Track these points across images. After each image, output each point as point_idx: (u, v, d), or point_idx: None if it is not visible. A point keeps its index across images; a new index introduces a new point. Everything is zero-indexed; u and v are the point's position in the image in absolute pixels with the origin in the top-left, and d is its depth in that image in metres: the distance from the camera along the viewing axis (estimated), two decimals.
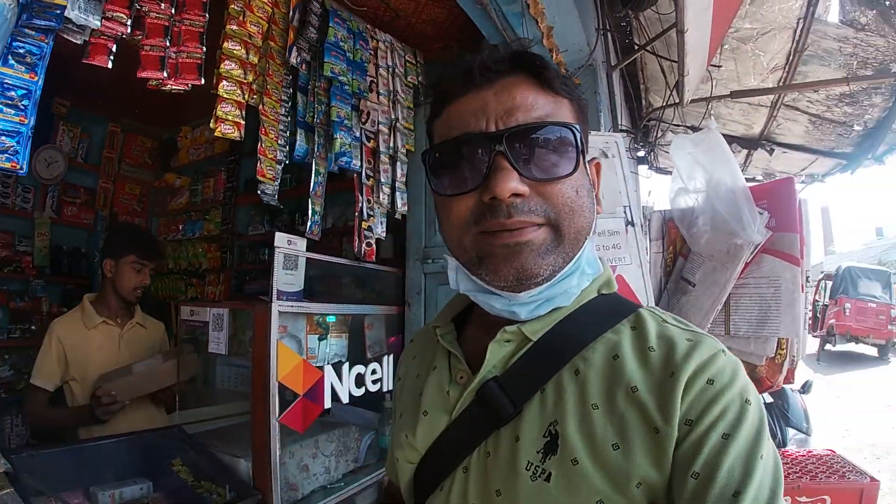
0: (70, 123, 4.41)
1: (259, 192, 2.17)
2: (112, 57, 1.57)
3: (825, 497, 2.13)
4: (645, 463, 0.60)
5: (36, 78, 1.38)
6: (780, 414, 4.44)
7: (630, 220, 2.31)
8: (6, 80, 1.32)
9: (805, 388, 4.84)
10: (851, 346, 13.00)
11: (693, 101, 3.15)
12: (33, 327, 4.08)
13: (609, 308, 0.75)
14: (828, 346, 13.10)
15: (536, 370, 0.70)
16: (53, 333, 2.37)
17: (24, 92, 1.35)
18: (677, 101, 3.21)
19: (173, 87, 1.71)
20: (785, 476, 2.25)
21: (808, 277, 2.37)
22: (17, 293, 4.11)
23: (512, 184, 0.64)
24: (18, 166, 1.31)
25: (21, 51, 1.34)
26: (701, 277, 2.52)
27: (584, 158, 0.71)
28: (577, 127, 0.69)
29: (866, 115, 3.81)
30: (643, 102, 4.31)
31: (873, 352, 12.68)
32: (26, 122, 1.34)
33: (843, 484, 2.16)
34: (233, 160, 4.51)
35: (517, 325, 0.72)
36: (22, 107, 1.34)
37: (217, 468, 1.92)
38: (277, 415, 1.84)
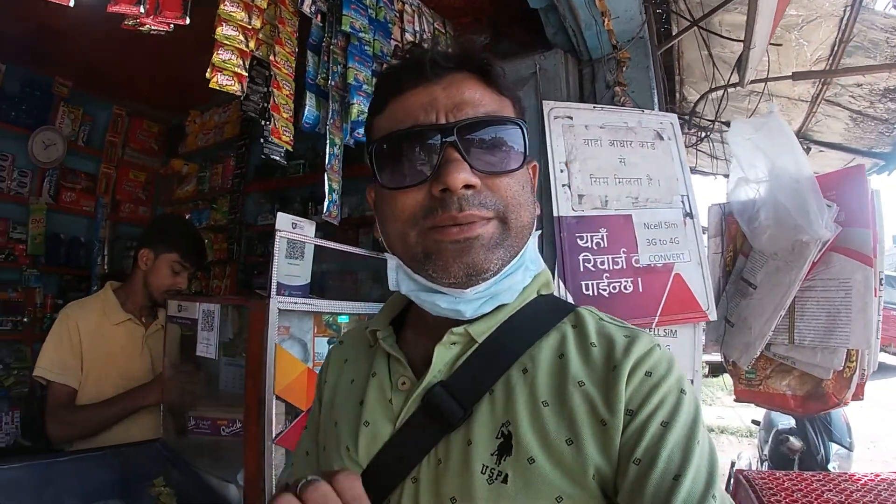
0: (71, 105, 4.21)
1: (264, 153, 1.85)
2: None
3: None
4: (596, 454, 0.61)
5: None
6: (823, 428, 4.24)
7: (689, 211, 2.06)
8: None
9: None
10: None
11: (753, 81, 2.85)
12: (25, 319, 3.88)
13: (550, 308, 0.77)
14: None
15: (484, 371, 0.70)
16: (70, 320, 2.08)
17: None
18: (727, 83, 2.96)
19: (152, 27, 1.40)
20: None
21: (881, 280, 2.12)
22: (9, 283, 3.89)
23: (464, 175, 0.65)
24: None
25: None
26: (763, 279, 2.30)
27: (526, 155, 0.73)
28: (525, 123, 0.72)
29: None
30: (677, 95, 4.08)
31: (894, 361, 12.30)
32: None
33: None
34: (242, 145, 4.27)
35: (464, 326, 0.72)
36: None
37: (203, 492, 1.65)
38: (274, 436, 1.50)
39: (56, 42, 3.47)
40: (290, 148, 1.88)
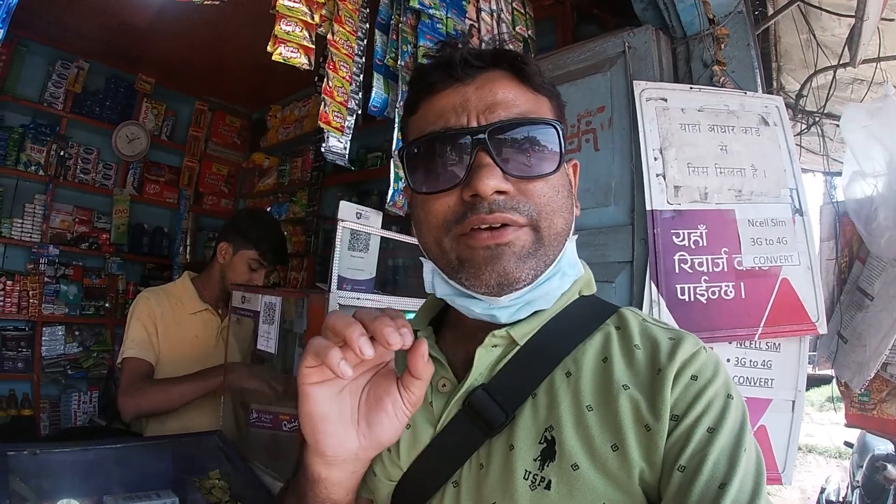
0: (154, 101, 4.40)
1: (322, 148, 1.76)
2: None
3: None
4: (640, 460, 0.59)
5: None
6: None
7: (798, 206, 1.83)
8: None
9: None
10: None
11: (865, 60, 2.53)
12: (107, 305, 4.05)
13: (592, 309, 0.76)
14: None
15: (526, 375, 0.69)
16: (149, 302, 2.09)
17: None
18: (838, 63, 2.64)
19: None
20: None
21: None
22: (93, 270, 4.07)
23: (494, 181, 0.64)
24: None
25: None
26: (881, 289, 2.06)
27: (563, 157, 0.70)
28: (560, 124, 0.69)
29: None
30: (774, 84, 3.72)
31: None
32: None
33: None
34: (321, 138, 4.20)
35: (505, 328, 0.70)
36: None
37: (256, 488, 1.58)
38: None
39: (137, 40, 3.61)
40: (339, 134, 1.77)
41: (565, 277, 0.73)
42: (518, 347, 0.70)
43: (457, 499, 0.68)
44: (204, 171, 4.72)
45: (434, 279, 0.74)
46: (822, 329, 1.74)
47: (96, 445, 1.66)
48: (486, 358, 0.71)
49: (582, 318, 0.73)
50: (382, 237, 1.71)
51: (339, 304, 1.48)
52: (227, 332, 2.12)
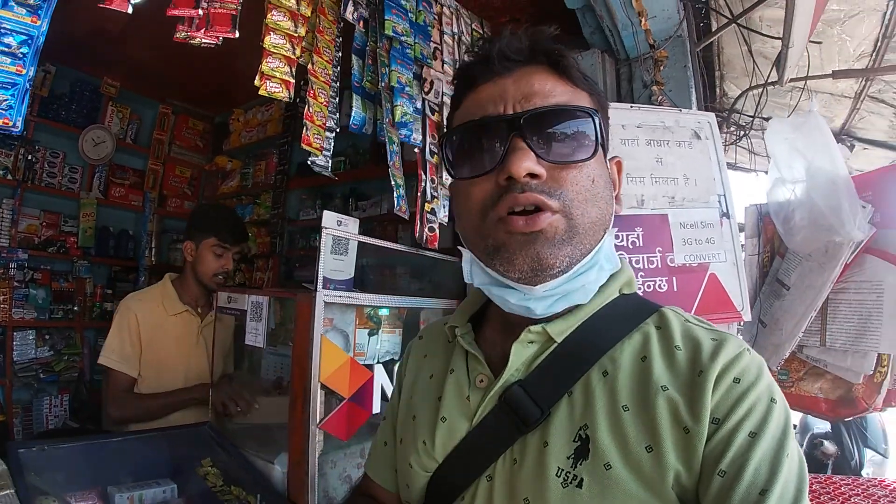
0: (119, 104, 4.41)
1: (309, 162, 1.92)
2: (133, 1, 1.33)
3: None
4: (677, 463, 0.59)
5: (38, 22, 1.19)
6: (858, 434, 4.19)
7: (725, 211, 2.07)
8: (3, 25, 1.13)
9: None
10: None
11: (791, 80, 2.81)
12: (76, 308, 4.06)
13: (632, 308, 0.74)
14: None
15: (563, 372, 0.69)
16: (130, 311, 2.18)
17: (24, 38, 1.17)
18: (766, 81, 2.92)
19: (203, 40, 1.48)
20: None
21: None
22: (61, 273, 4.07)
23: (527, 163, 0.64)
24: (11, 123, 1.13)
25: None
26: (796, 280, 2.28)
27: (603, 151, 0.73)
28: (597, 111, 0.69)
29: None
30: (717, 91, 4.02)
31: None
32: (24, 72, 1.16)
33: None
34: (285, 142, 4.39)
35: (542, 325, 0.71)
36: (20, 55, 1.16)
37: (249, 473, 1.72)
38: (318, 420, 1.58)
39: (104, 44, 3.62)
40: (318, 154, 1.93)
41: (602, 271, 0.73)
42: (555, 345, 0.71)
43: (490, 493, 0.69)
44: (168, 173, 4.75)
45: (472, 268, 0.75)
46: (747, 316, 1.98)
47: (98, 440, 1.78)
48: (521, 354, 0.72)
49: (621, 316, 0.73)
50: (360, 242, 1.89)
51: (325, 302, 1.65)
52: (208, 331, 2.26)
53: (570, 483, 0.62)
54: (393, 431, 0.91)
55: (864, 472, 3.89)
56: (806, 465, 0.60)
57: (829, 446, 3.95)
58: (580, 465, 0.62)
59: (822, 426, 4.14)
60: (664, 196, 1.98)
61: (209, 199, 4.99)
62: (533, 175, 0.65)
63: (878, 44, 2.91)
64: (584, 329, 0.71)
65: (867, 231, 2.02)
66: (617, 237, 1.90)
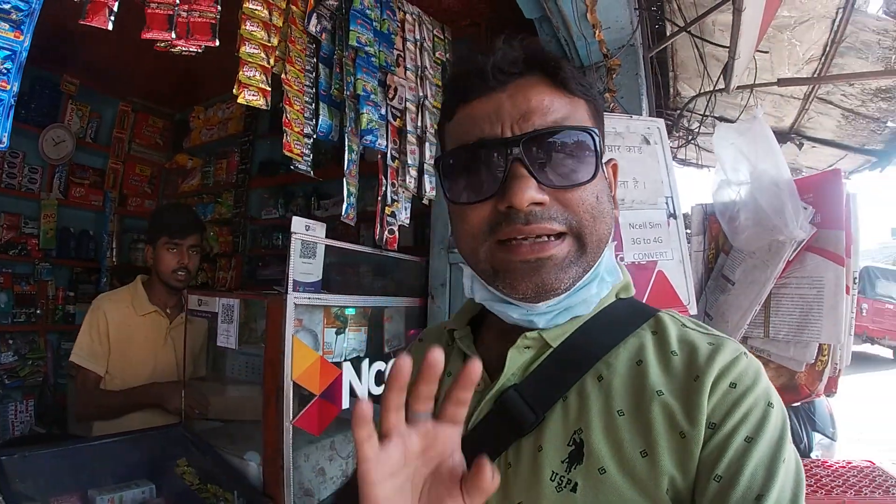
0: (79, 102, 4.30)
1: (292, 166, 2.01)
2: (112, 17, 1.38)
3: None
4: (672, 467, 0.59)
5: (21, 37, 1.23)
6: (807, 418, 4.31)
7: (672, 212, 2.19)
8: None
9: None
10: (866, 348, 12.77)
11: (738, 87, 2.96)
12: (38, 311, 4.00)
13: (629, 312, 0.74)
14: None
15: (558, 377, 0.69)
16: (100, 310, 2.23)
17: (8, 53, 1.20)
18: (714, 88, 3.06)
19: (184, 48, 1.53)
20: (829, 490, 1.99)
21: (855, 278, 2.22)
22: (23, 276, 4.00)
23: (530, 192, 0.63)
24: None
25: (6, 6, 1.18)
26: (741, 276, 2.40)
27: (601, 162, 0.70)
28: (596, 130, 0.68)
29: None
30: (671, 91, 4.16)
31: (888, 353, 12.52)
32: (8, 87, 1.19)
33: (890, 500, 2.00)
34: (246, 141, 4.38)
35: (538, 330, 0.70)
36: (4, 70, 1.19)
37: (225, 471, 1.79)
38: (292, 417, 1.66)
39: (64, 41, 3.54)
40: (300, 160, 2.01)
41: (603, 283, 0.73)
42: (551, 350, 0.71)
43: None
44: (128, 172, 4.67)
45: (473, 284, 0.76)
46: (693, 310, 2.11)
47: (77, 444, 1.82)
48: (518, 359, 0.72)
49: (617, 321, 0.73)
50: (327, 245, 1.96)
51: (295, 304, 1.73)
52: (177, 332, 2.31)
53: (565, 487, 0.62)
54: None
55: (812, 455, 4.01)
56: (803, 469, 0.60)
57: None
58: (574, 469, 0.62)
59: None
60: None
61: (170, 197, 4.93)
62: (536, 203, 0.64)
63: (827, 49, 3.06)
64: (579, 334, 0.71)
65: (808, 231, 2.13)
66: None
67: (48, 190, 4.15)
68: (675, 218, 2.16)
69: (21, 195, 4.00)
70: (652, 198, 2.15)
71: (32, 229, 4.05)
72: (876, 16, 2.76)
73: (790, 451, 0.59)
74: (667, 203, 2.16)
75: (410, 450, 0.51)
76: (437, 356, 0.50)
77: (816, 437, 4.15)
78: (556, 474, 0.63)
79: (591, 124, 0.70)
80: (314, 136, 2.07)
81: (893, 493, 2.00)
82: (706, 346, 0.65)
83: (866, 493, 1.99)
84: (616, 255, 2.01)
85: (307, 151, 2.03)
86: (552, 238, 0.65)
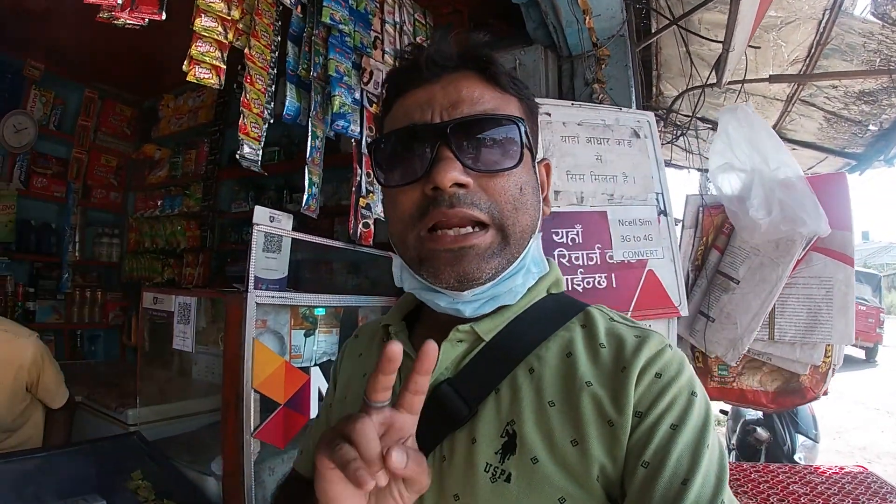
0: (43, 88, 4.11)
1: (238, 155, 1.81)
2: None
3: None
4: (601, 455, 0.60)
5: None
6: (790, 420, 4.34)
7: (663, 208, 2.11)
8: None
9: None
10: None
11: (729, 82, 2.88)
12: None
13: (559, 307, 0.76)
14: None
15: (490, 370, 0.70)
16: None
17: None
18: (705, 83, 2.99)
19: (128, 20, 1.37)
20: (826, 499, 1.88)
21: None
22: None
23: (454, 173, 0.64)
24: None
25: None
26: (746, 274, 2.34)
27: (531, 156, 0.73)
28: (522, 120, 0.70)
29: (883, 114, 3.62)
30: (653, 91, 4.10)
31: (860, 354, 12.65)
32: None
33: None
34: (216, 131, 4.21)
35: (470, 324, 0.72)
36: None
37: (182, 485, 1.68)
38: (252, 429, 1.51)
39: (27, 24, 3.37)
40: (257, 144, 1.84)
41: (529, 274, 0.74)
42: (483, 343, 0.72)
43: None
44: (93, 162, 4.48)
45: (402, 274, 0.77)
46: (684, 312, 2.03)
47: (20, 457, 1.66)
48: (451, 353, 0.72)
49: (548, 315, 0.75)
50: (293, 238, 1.82)
51: (257, 303, 1.58)
52: None
53: (499, 478, 0.62)
54: (325, 429, 0.88)
55: (796, 457, 4.03)
56: (727, 455, 0.63)
57: (762, 433, 4.07)
58: (508, 460, 0.63)
59: (753, 413, 4.27)
60: (603, 193, 1.99)
61: (136, 189, 4.77)
62: (460, 185, 0.65)
63: (812, 50, 3.01)
64: (511, 328, 0.73)
65: (827, 228, 2.10)
66: (556, 234, 1.90)
67: (8, 180, 3.95)
68: (666, 215, 2.09)
69: None
70: (642, 193, 2.07)
71: None
72: (862, 18, 2.74)
73: (713, 437, 0.61)
74: (657, 199, 2.09)
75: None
76: (396, 349, 0.52)
77: (800, 438, 4.18)
78: (490, 465, 0.64)
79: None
80: (271, 121, 1.91)
81: (891, 501, 1.96)
82: (633, 339, 0.67)
83: (864, 501, 1.94)
84: (604, 253, 1.93)
85: (262, 136, 1.86)
86: (476, 228, 0.67)
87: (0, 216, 3.86)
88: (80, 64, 4.07)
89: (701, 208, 2.50)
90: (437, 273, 0.68)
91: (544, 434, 0.63)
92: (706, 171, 4.19)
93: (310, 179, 2.01)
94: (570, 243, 1.91)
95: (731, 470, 2.12)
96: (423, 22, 2.50)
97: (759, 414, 4.26)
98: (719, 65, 2.51)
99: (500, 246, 0.68)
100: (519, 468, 0.62)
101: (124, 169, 4.77)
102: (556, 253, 1.88)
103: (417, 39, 2.42)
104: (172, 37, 1.58)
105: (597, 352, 0.68)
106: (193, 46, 1.55)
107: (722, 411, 4.94)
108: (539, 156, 0.78)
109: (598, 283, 1.90)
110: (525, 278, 0.74)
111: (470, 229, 0.66)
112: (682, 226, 2.51)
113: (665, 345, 0.67)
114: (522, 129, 0.69)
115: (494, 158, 0.68)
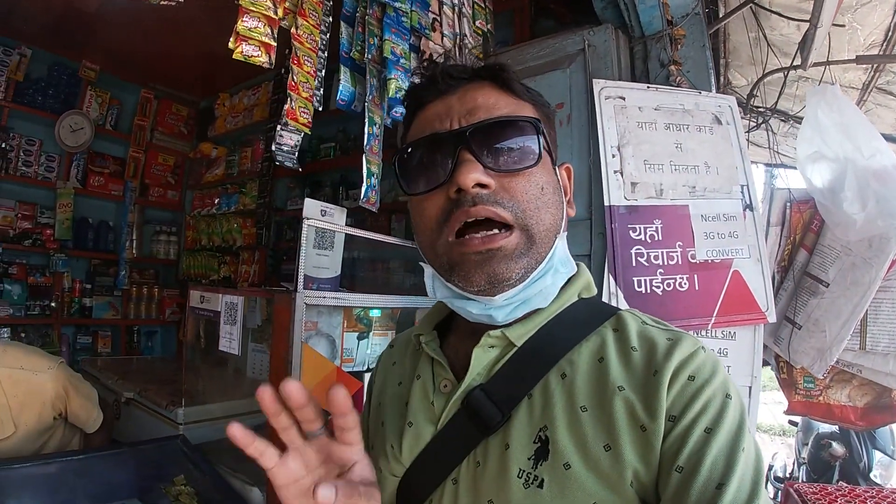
0: (99, 89, 4.21)
1: (273, 146, 1.70)
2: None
3: None
4: (635, 461, 0.60)
5: None
6: (867, 435, 4.02)
7: (749, 202, 1.91)
8: None
9: None
10: None
11: (814, 64, 2.64)
12: (53, 304, 3.88)
13: (591, 311, 0.76)
14: None
15: (522, 375, 0.70)
16: None
17: None
18: (791, 65, 2.74)
19: None
20: None
21: None
22: (37, 268, 3.89)
23: (475, 174, 0.65)
24: None
25: None
26: (836, 276, 2.13)
27: (550, 158, 0.75)
28: (539, 121, 0.71)
29: None
30: (721, 80, 3.84)
31: None
32: None
33: None
34: (272, 128, 4.11)
35: (501, 329, 0.71)
36: None
37: (225, 493, 1.57)
38: None
39: (82, 25, 3.44)
40: (307, 131, 1.73)
41: (558, 274, 0.74)
42: (515, 349, 0.72)
43: (455, 495, 0.70)
44: (150, 161, 4.57)
45: (434, 283, 0.77)
46: (772, 318, 1.82)
47: (60, 459, 1.61)
48: (482, 358, 0.73)
49: (579, 320, 0.75)
50: (347, 234, 1.70)
51: (307, 304, 1.46)
52: None
53: (532, 483, 0.63)
54: (365, 438, 0.86)
55: (872, 475, 3.79)
56: (763, 458, 0.61)
57: (838, 448, 3.81)
58: (540, 465, 0.63)
59: (827, 426, 4.00)
60: (684, 185, 1.81)
61: (193, 187, 4.82)
62: (482, 185, 0.66)
63: (890, 33, 2.76)
64: (542, 333, 0.73)
65: None
66: (633, 230, 1.74)
67: (65, 178, 4.03)
68: (752, 210, 1.88)
69: (37, 184, 3.90)
70: (726, 186, 1.88)
71: (48, 219, 3.94)
72: None
73: (749, 440, 0.60)
74: (742, 192, 1.90)
75: (309, 460, 0.58)
76: (293, 387, 0.54)
77: (877, 455, 3.92)
78: (524, 471, 0.64)
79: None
80: (319, 108, 1.78)
81: None
82: (665, 342, 0.67)
83: None
84: (686, 252, 1.75)
85: (309, 122, 1.73)
86: (501, 230, 0.67)
87: (58, 214, 3.94)
88: (136, 65, 4.15)
89: (788, 203, 2.28)
90: (468, 276, 0.68)
91: (577, 440, 0.63)
92: (779, 166, 3.92)
93: (368, 169, 1.89)
94: (649, 240, 1.74)
95: (815, 493, 1.92)
96: (483, 6, 2.34)
97: (834, 427, 3.98)
98: (805, 44, 2.27)
99: (527, 246, 0.68)
100: (551, 474, 0.62)
101: (181, 167, 4.84)
102: (633, 251, 1.71)
103: (477, 23, 2.27)
104: (227, 35, 1.49)
105: (629, 356, 0.67)
106: (240, 21, 1.44)
107: (791, 422, 4.68)
108: (558, 160, 0.79)
109: (680, 284, 1.72)
110: (554, 278, 0.73)
111: (496, 231, 0.67)
112: (767, 223, 2.29)
113: (698, 347, 0.67)
114: (540, 127, 0.70)
115: (514, 158, 0.69)
